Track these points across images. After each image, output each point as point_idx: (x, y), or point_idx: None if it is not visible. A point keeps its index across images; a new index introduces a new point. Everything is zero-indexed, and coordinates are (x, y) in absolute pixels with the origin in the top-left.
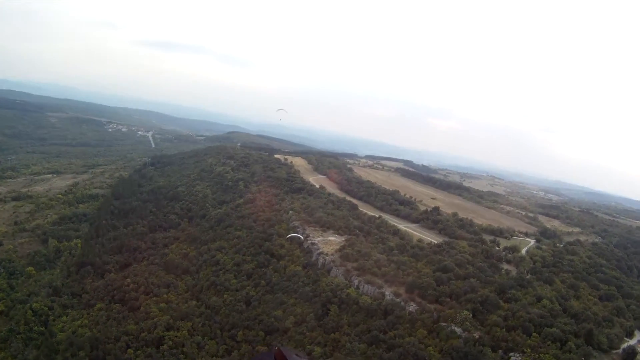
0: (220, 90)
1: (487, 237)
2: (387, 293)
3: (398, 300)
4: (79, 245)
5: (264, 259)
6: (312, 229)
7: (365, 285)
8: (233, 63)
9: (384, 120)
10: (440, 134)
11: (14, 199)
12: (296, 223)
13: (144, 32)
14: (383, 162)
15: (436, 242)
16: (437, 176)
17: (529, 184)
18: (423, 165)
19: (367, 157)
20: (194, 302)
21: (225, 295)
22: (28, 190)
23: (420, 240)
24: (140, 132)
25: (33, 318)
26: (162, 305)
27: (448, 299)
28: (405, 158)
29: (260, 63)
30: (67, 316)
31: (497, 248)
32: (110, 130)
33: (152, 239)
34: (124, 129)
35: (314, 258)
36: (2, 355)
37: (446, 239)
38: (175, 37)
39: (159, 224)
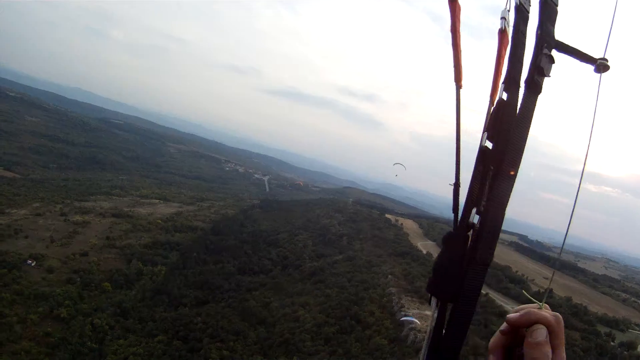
0: (341, 145)
1: (602, 329)
2: None
3: None
4: (162, 272)
5: (348, 325)
6: (409, 299)
7: None
8: (355, 120)
9: None
10: (554, 209)
11: (114, 215)
12: (393, 290)
13: (271, 81)
14: None
15: None
16: (551, 254)
17: None
18: (537, 241)
19: None
20: (260, 358)
21: (294, 358)
22: (130, 210)
23: None
24: (256, 175)
25: (90, 333)
26: (224, 352)
27: None
28: (519, 232)
29: (382, 123)
30: (125, 340)
31: (612, 343)
32: (227, 169)
33: (237, 281)
34: (240, 170)
35: (404, 333)
36: None
37: None
38: (302, 89)
39: (250, 267)
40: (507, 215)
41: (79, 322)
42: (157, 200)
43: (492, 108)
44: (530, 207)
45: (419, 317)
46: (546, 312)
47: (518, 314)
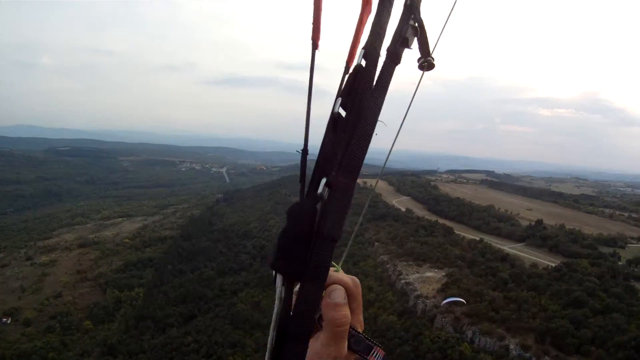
0: (289, 120)
1: (604, 250)
2: (512, 346)
3: (528, 355)
4: (141, 294)
5: None
6: (405, 263)
7: (482, 338)
8: (298, 92)
9: (454, 133)
10: (511, 140)
11: (80, 245)
12: (384, 257)
13: (208, 72)
14: (465, 175)
15: (553, 264)
16: (522, 184)
17: (612, 181)
18: (505, 174)
19: (448, 171)
20: None
21: None
22: (95, 237)
23: (534, 265)
24: (214, 169)
25: None
26: None
27: (593, 347)
28: (484, 169)
29: (326, 90)
30: None
31: (619, 263)
32: (183, 169)
33: (219, 285)
34: (197, 167)
35: (411, 303)
36: None
37: (561, 258)
38: (240, 73)
39: (229, 267)
40: (466, 155)
41: None
42: (120, 219)
43: (349, 74)
44: (490, 143)
45: (420, 281)
46: (344, 275)
47: None
